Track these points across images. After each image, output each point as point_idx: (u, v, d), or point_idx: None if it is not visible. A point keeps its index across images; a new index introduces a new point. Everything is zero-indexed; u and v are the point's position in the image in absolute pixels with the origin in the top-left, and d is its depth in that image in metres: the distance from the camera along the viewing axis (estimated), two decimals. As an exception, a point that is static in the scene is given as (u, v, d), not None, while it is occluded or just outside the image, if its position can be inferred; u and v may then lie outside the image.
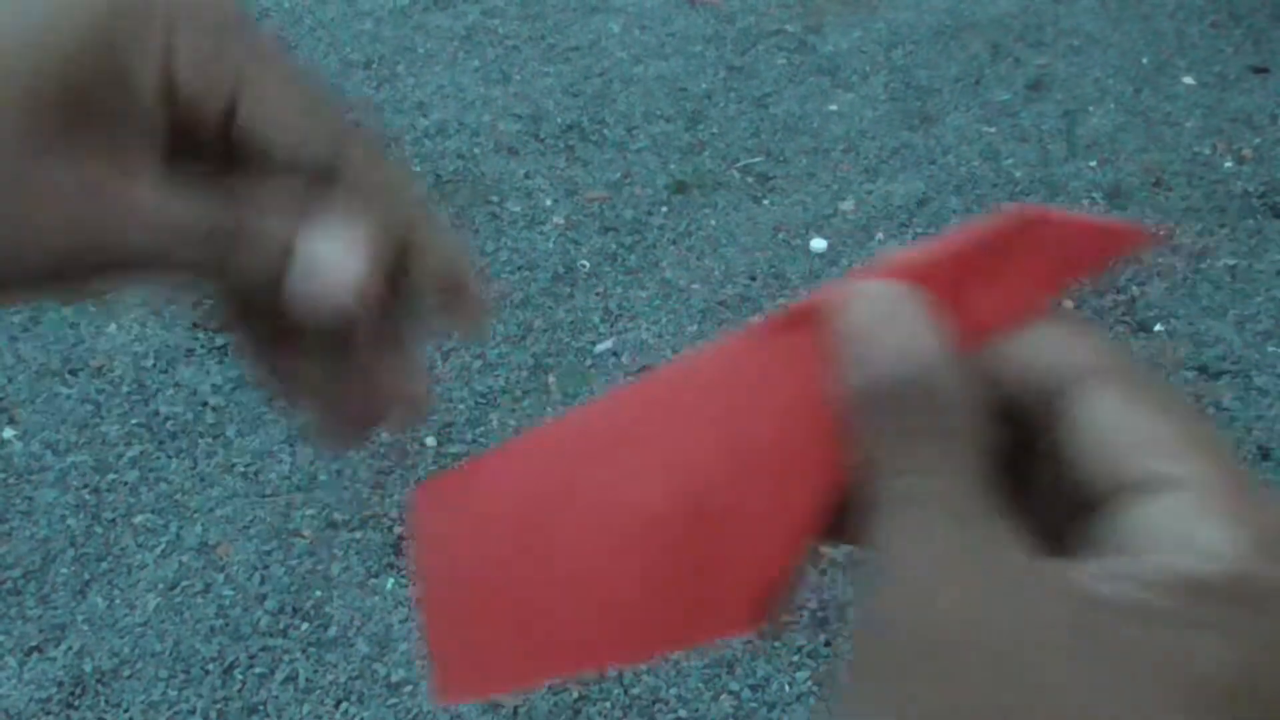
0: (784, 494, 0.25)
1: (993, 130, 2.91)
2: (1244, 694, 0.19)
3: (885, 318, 0.24)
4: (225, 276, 0.28)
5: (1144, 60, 3.16)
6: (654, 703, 1.69)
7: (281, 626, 1.80)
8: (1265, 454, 2.00)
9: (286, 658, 1.76)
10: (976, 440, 0.23)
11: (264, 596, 1.85)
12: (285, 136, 0.28)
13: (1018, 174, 2.74)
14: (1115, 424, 0.23)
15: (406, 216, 0.29)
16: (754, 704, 1.69)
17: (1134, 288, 2.38)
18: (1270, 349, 2.22)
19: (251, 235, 0.28)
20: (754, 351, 0.26)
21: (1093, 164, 2.76)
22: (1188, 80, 3.06)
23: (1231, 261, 2.44)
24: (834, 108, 3.04)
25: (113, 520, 1.98)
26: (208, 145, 0.29)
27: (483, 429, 2.11)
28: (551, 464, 0.27)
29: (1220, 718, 0.19)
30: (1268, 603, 0.20)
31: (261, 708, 1.71)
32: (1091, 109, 2.97)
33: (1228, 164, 2.73)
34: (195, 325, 2.36)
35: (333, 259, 0.27)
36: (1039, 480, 0.25)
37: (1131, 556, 0.21)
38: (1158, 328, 2.28)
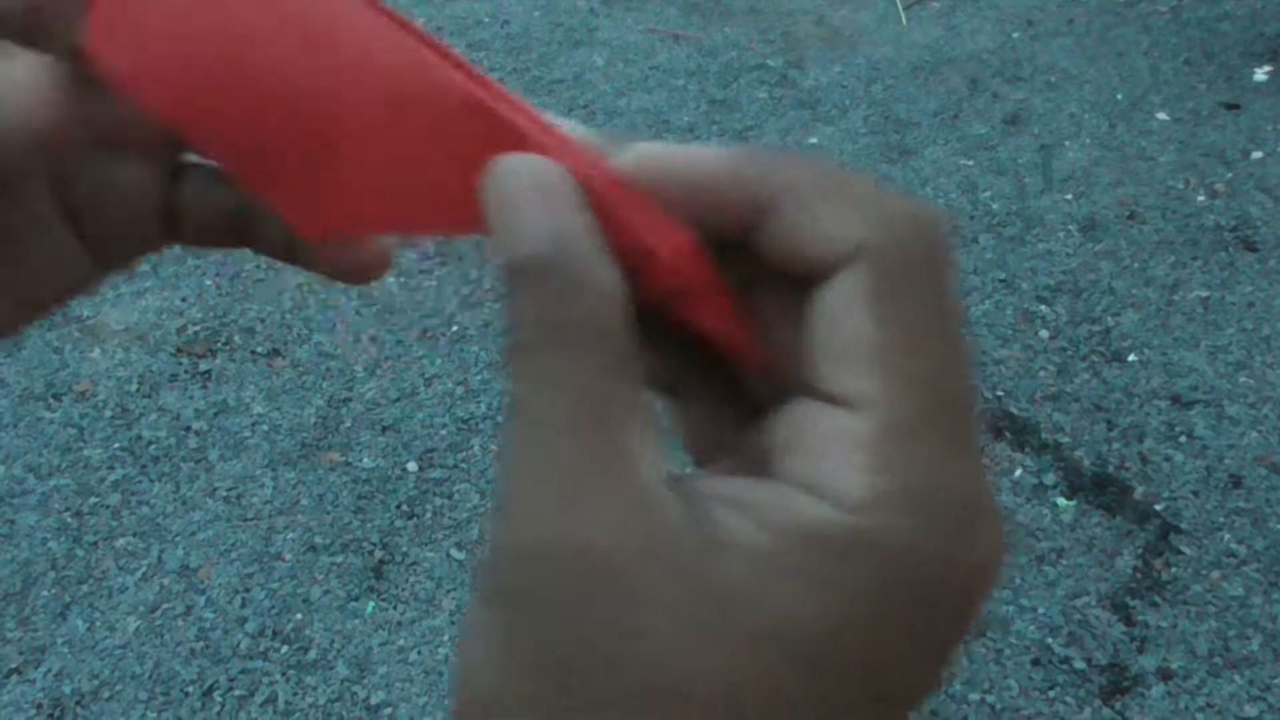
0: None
1: (970, 163, 2.96)
2: (826, 644, 0.19)
3: (535, 193, 0.22)
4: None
5: (1119, 96, 3.21)
6: None
7: (262, 649, 1.81)
8: (1237, 482, 2.03)
9: (266, 680, 1.76)
10: (617, 342, 0.21)
11: (244, 619, 1.85)
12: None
13: (995, 206, 2.78)
14: (833, 320, 0.21)
15: None
16: None
17: (1108, 318, 2.42)
18: (1242, 379, 2.25)
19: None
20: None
21: (1068, 197, 2.81)
22: (1161, 116, 3.12)
23: (1204, 293, 2.48)
24: (814, 140, 3.08)
25: (94, 543, 1.98)
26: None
27: (464, 454, 2.13)
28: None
29: (804, 668, 0.19)
30: (866, 557, 0.19)
31: (240, 731, 1.71)
32: (1067, 143, 3.02)
33: (1200, 198, 2.78)
34: (179, 350, 2.37)
35: None
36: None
37: (768, 486, 0.21)
38: (1131, 358, 2.32)
